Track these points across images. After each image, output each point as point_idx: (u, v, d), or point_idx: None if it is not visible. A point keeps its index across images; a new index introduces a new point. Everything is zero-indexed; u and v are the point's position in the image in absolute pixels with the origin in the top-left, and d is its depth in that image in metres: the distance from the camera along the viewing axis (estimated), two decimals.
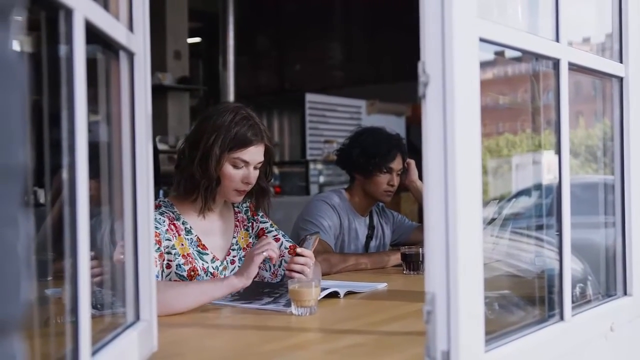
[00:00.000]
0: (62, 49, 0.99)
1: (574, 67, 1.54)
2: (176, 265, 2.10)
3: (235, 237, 2.30)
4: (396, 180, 2.96)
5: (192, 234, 2.18)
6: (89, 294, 1.01)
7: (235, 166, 2.14)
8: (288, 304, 1.87)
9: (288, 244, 2.32)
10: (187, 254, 2.14)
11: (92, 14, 1.05)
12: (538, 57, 1.52)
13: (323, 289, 1.99)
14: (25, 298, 0.57)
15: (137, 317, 1.34)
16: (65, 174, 0.98)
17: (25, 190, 0.57)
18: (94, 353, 1.06)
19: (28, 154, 0.59)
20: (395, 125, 6.91)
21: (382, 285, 2.30)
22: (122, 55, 1.31)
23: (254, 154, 2.16)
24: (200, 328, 1.76)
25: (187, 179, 2.16)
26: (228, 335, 1.70)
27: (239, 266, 2.24)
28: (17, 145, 0.56)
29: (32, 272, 0.60)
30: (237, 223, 2.33)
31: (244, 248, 2.30)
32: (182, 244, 2.14)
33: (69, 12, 0.97)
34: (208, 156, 2.11)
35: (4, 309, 0.54)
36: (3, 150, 0.54)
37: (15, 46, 0.58)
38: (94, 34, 1.08)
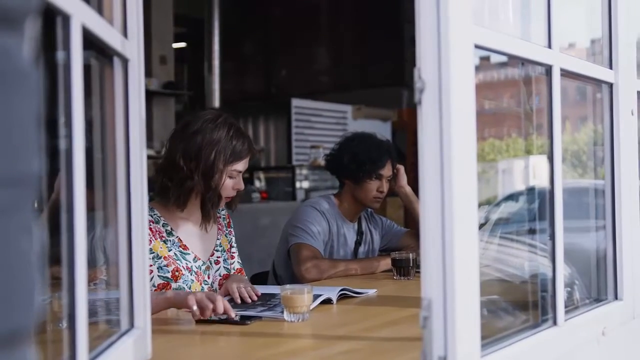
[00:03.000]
0: (59, 55, 0.98)
1: (565, 73, 1.55)
2: (158, 267, 2.15)
3: (219, 239, 2.37)
4: (385, 187, 2.96)
5: (173, 235, 2.23)
6: (86, 301, 1.00)
7: (231, 177, 2.24)
8: (277, 312, 1.86)
9: (237, 266, 2.41)
10: (169, 256, 2.18)
11: (88, 20, 1.04)
12: (531, 63, 1.53)
13: (316, 296, 1.98)
14: (38, 307, 0.56)
15: (132, 325, 1.34)
16: (63, 180, 0.97)
17: (36, 199, 0.57)
18: None
19: (42, 162, 0.59)
20: (381, 130, 6.91)
21: (372, 292, 2.30)
22: (116, 61, 1.30)
23: (246, 163, 2.28)
24: (194, 335, 1.75)
25: (187, 193, 2.20)
26: (221, 342, 1.70)
27: (223, 267, 2.34)
28: (32, 153, 0.56)
29: (45, 280, 0.60)
30: (220, 227, 2.41)
31: (226, 250, 2.38)
32: (162, 247, 2.18)
33: (66, 18, 0.97)
34: (211, 172, 2.18)
35: (18, 318, 0.54)
36: (19, 158, 0.54)
37: (30, 54, 0.57)
38: (88, 40, 1.08)
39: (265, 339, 1.67)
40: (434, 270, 1.15)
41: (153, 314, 1.90)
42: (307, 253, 2.76)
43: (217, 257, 2.33)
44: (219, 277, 2.31)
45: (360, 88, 9.12)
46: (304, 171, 7.45)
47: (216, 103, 8.45)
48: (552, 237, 1.50)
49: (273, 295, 2.11)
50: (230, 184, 2.24)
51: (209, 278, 2.28)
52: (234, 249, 2.45)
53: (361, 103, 8.36)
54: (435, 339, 1.15)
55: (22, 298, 0.54)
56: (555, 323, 1.49)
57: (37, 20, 0.61)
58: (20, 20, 0.56)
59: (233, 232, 2.46)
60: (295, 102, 8.06)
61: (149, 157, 2.28)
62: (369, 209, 3.13)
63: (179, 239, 2.23)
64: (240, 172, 2.25)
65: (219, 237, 2.37)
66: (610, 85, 1.79)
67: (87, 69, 1.19)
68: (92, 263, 1.42)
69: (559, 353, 1.50)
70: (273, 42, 10.26)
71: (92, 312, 1.34)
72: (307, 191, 7.26)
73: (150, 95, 7.19)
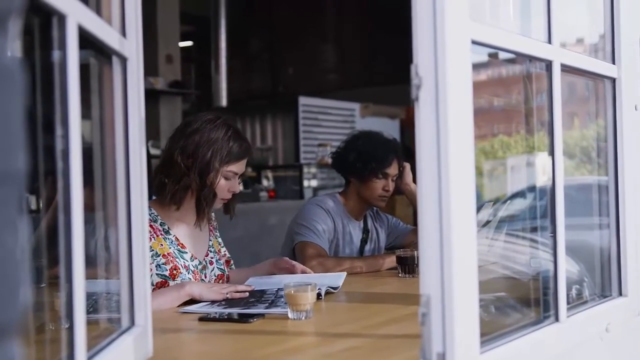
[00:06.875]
0: (55, 54, 0.98)
1: (566, 69, 1.54)
2: (156, 265, 2.17)
3: (211, 241, 2.41)
4: (391, 186, 2.96)
5: (170, 234, 2.26)
6: (84, 300, 1.01)
7: (226, 178, 2.27)
8: (285, 307, 1.86)
9: (218, 272, 2.40)
10: (168, 254, 2.22)
11: (85, 19, 1.05)
12: (530, 58, 1.53)
13: None
14: (24, 302, 0.57)
15: (132, 323, 1.34)
16: (59, 180, 0.97)
17: (23, 195, 0.58)
18: (89, 359, 1.06)
19: (27, 159, 0.59)
20: (389, 128, 6.91)
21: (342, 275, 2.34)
22: (115, 61, 1.31)
23: (243, 165, 2.31)
24: (195, 333, 1.75)
25: (183, 190, 2.22)
26: (223, 340, 1.70)
27: (217, 267, 2.38)
28: (17, 150, 0.56)
29: (30, 277, 0.61)
30: (211, 229, 2.45)
31: (217, 252, 2.42)
32: (162, 244, 2.22)
33: (62, 18, 0.97)
34: (207, 170, 2.22)
35: (3, 313, 0.54)
36: (3, 155, 0.55)
37: (14, 52, 0.58)
38: (86, 39, 1.08)
39: (268, 337, 1.67)
40: (432, 267, 1.15)
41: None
42: (312, 251, 2.77)
43: (211, 258, 2.38)
44: (214, 278, 2.34)
45: (367, 86, 9.10)
46: (312, 169, 7.44)
47: (223, 102, 8.47)
48: (554, 233, 1.50)
49: (264, 293, 2.13)
50: (225, 185, 2.27)
51: (205, 277, 2.31)
52: (223, 249, 2.49)
53: (369, 101, 8.34)
54: (434, 336, 1.15)
55: (7, 293, 0.55)
56: (557, 319, 1.49)
57: (21, 20, 0.61)
58: (4, 19, 0.57)
59: (218, 234, 2.51)
60: (303, 100, 8.04)
61: (156, 157, 2.30)
62: (375, 207, 3.13)
63: (176, 237, 2.27)
64: (236, 174, 2.28)
65: (210, 238, 2.42)
66: (613, 80, 1.78)
67: (86, 68, 1.20)
68: (99, 263, 1.43)
69: (560, 350, 1.50)
70: (280, 41, 10.26)
71: (94, 310, 1.34)
72: (315, 189, 7.26)
73: (156, 94, 7.19)
